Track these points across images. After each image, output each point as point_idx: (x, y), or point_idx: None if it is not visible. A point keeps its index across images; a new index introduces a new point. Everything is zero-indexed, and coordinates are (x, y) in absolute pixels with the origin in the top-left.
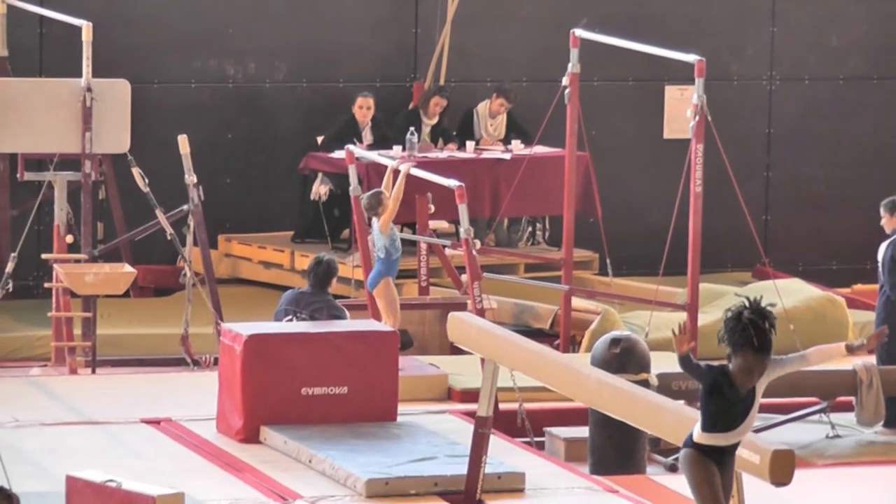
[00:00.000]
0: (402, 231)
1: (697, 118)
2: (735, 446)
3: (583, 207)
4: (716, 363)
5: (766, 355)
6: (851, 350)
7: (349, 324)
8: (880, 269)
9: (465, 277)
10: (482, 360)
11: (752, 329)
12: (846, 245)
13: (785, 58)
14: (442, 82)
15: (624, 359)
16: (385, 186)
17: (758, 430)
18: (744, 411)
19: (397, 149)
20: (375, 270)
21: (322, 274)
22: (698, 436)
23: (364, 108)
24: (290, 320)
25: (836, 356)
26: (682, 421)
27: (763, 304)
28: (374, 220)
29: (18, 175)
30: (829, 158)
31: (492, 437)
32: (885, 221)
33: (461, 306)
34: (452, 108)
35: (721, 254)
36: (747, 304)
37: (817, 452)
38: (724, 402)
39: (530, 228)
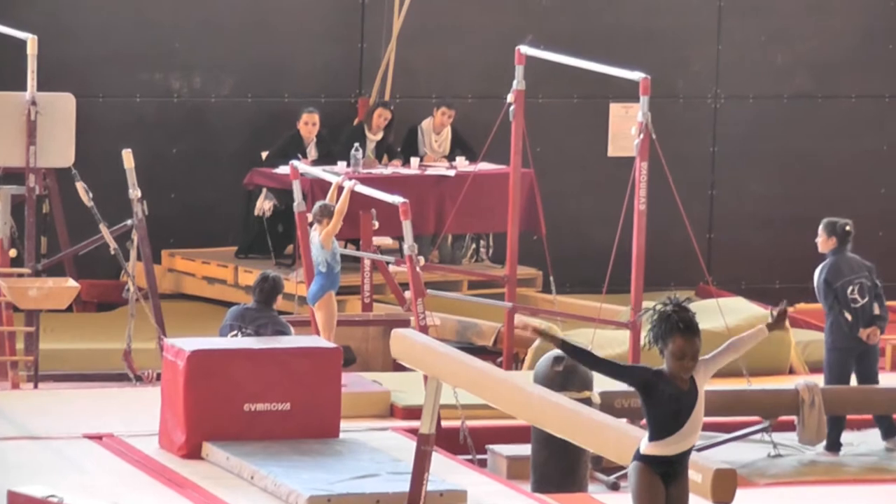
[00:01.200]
0: (345, 247)
1: (642, 136)
2: (684, 458)
3: (527, 225)
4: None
5: (693, 335)
6: (771, 327)
7: (292, 340)
8: (817, 293)
9: (408, 294)
10: (425, 377)
11: (675, 315)
12: (789, 264)
13: (730, 76)
14: (387, 98)
15: (566, 377)
16: (329, 202)
17: (700, 449)
18: (688, 408)
19: (342, 164)
20: (317, 284)
21: (268, 290)
22: (645, 447)
23: (309, 124)
24: (235, 336)
25: (760, 337)
26: (624, 439)
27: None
28: (315, 233)
29: None
30: (774, 177)
31: (434, 454)
32: (821, 242)
33: (404, 323)
34: (397, 124)
35: (665, 272)
36: (665, 301)
37: (759, 471)
38: (665, 399)
39: (474, 245)
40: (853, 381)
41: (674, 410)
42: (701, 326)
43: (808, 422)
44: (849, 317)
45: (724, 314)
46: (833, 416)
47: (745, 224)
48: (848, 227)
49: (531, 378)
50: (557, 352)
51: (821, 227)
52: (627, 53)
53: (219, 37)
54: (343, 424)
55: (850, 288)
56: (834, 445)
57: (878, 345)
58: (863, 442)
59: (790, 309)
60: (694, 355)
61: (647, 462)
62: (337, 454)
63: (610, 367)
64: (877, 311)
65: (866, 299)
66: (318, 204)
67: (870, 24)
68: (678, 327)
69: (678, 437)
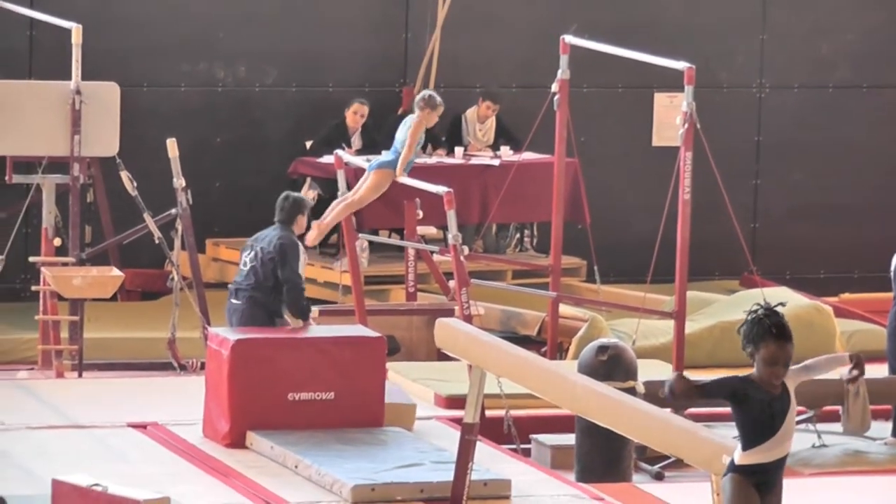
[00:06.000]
0: (389, 236)
1: (687, 125)
2: (780, 465)
3: (571, 214)
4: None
5: (786, 341)
6: (852, 357)
7: (337, 329)
8: (892, 278)
9: (452, 283)
10: (469, 367)
11: (768, 319)
12: (834, 254)
13: (774, 66)
14: (431, 87)
15: (611, 366)
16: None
17: None
18: (781, 413)
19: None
20: (387, 157)
21: (289, 208)
22: (740, 457)
23: (358, 115)
24: (249, 254)
25: (842, 363)
26: (668, 429)
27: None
28: (413, 116)
29: (7, 178)
30: (818, 167)
31: (478, 443)
32: None
33: (449, 312)
34: (441, 113)
35: (709, 262)
36: (758, 306)
37: (804, 462)
38: (756, 405)
39: (518, 235)
40: None
41: (768, 416)
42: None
43: (852, 412)
44: None
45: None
46: None
47: (790, 214)
48: None
49: (575, 368)
50: (602, 341)
51: None
52: (671, 43)
53: (263, 26)
54: None
55: None
56: None
57: None
58: None
59: (835, 300)
60: (786, 361)
61: (743, 473)
62: (381, 443)
63: (702, 392)
64: None
65: None
66: (425, 92)
67: None
68: (771, 332)
69: (773, 444)
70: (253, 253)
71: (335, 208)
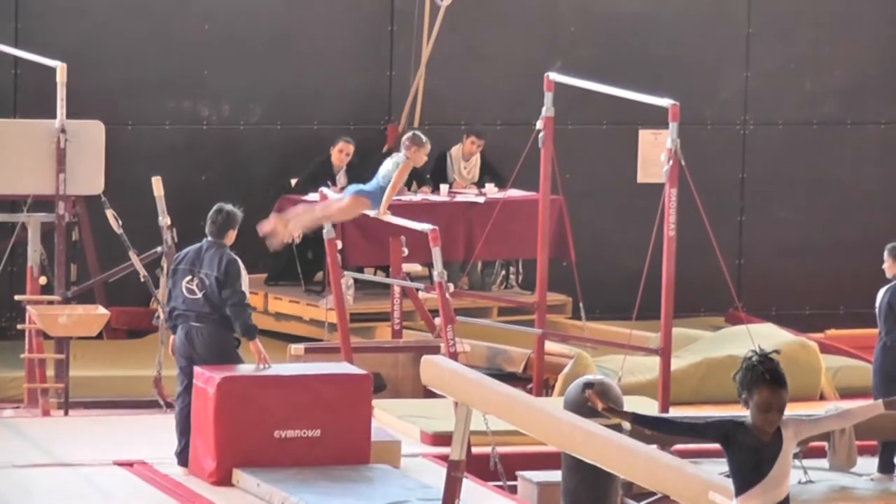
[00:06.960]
0: (375, 274)
1: (671, 162)
2: None
3: (556, 251)
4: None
5: (780, 388)
6: (888, 405)
7: (323, 367)
8: (877, 314)
9: (438, 321)
10: (455, 404)
11: (762, 366)
12: (819, 290)
13: (759, 102)
14: (416, 125)
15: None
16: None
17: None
18: (770, 458)
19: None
20: (367, 187)
21: (221, 223)
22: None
23: (343, 153)
24: (191, 280)
25: (874, 412)
26: (654, 466)
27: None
28: (394, 159)
29: None
30: (803, 203)
31: (465, 480)
32: (888, 266)
33: (434, 349)
34: (429, 152)
35: (694, 298)
36: (753, 352)
37: (791, 498)
38: (744, 450)
39: (504, 272)
40: None
41: (754, 461)
42: (731, 352)
43: (838, 448)
44: None
45: (754, 341)
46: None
47: (775, 250)
48: None
49: (561, 404)
50: (588, 377)
51: (886, 252)
52: (656, 80)
53: (248, 64)
54: None
55: None
56: (886, 467)
57: None
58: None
59: (821, 336)
60: (780, 408)
61: None
62: (367, 481)
63: (690, 429)
64: None
65: None
66: (410, 132)
67: None
68: (764, 378)
69: (762, 489)
70: (198, 280)
71: (299, 211)
